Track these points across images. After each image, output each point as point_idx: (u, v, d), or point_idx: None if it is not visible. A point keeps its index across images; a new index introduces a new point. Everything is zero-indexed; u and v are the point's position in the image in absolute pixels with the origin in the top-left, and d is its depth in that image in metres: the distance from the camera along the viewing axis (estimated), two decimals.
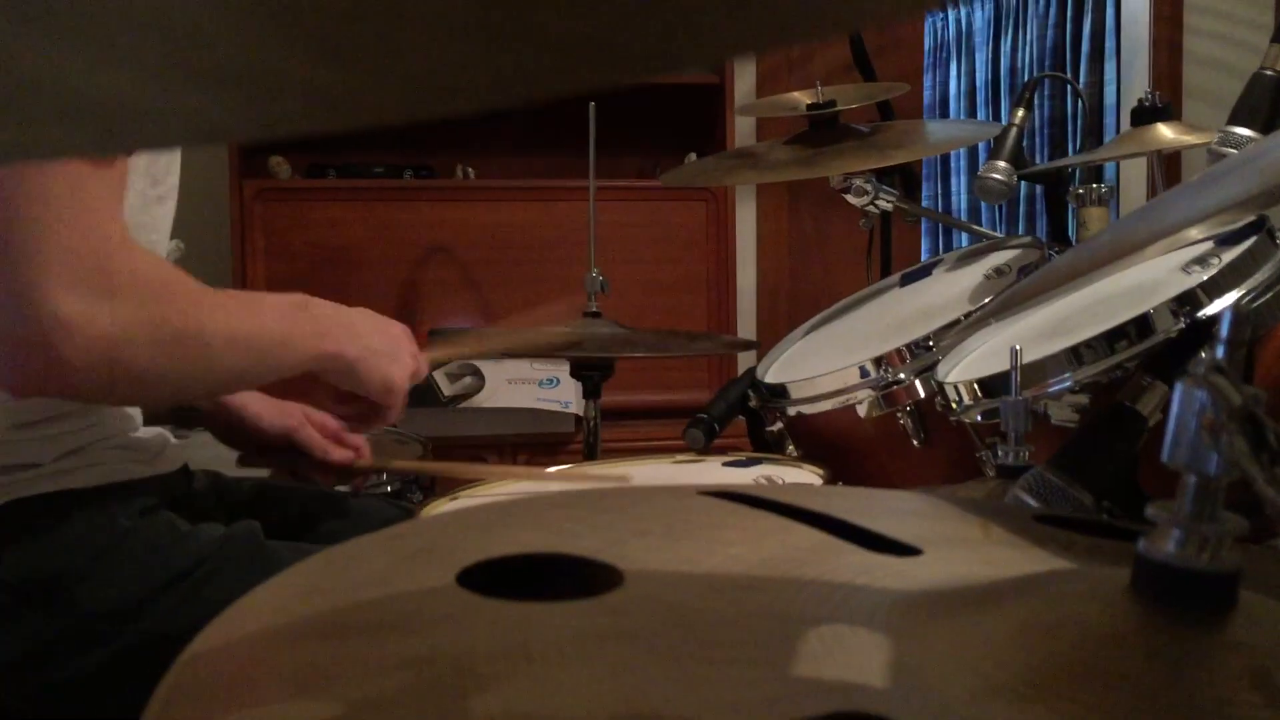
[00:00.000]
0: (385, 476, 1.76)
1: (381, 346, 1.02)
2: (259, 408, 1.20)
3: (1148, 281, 1.08)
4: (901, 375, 1.30)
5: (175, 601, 0.88)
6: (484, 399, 2.65)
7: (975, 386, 1.07)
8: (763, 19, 0.18)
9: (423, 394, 2.64)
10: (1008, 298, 1.04)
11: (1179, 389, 0.34)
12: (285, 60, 0.16)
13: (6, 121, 0.18)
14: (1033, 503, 0.72)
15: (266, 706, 0.30)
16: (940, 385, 1.15)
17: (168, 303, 0.85)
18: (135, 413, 1.01)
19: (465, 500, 1.14)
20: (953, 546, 0.46)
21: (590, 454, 1.84)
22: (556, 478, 1.27)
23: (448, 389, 2.65)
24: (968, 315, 1.34)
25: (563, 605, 0.37)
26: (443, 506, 1.08)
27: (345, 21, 0.16)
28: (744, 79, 3.20)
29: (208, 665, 0.33)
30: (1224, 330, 0.34)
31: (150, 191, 0.96)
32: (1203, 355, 0.31)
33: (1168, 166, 1.80)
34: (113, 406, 0.92)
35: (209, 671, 0.33)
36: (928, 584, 0.40)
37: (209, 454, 1.60)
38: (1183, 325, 0.89)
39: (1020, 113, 1.66)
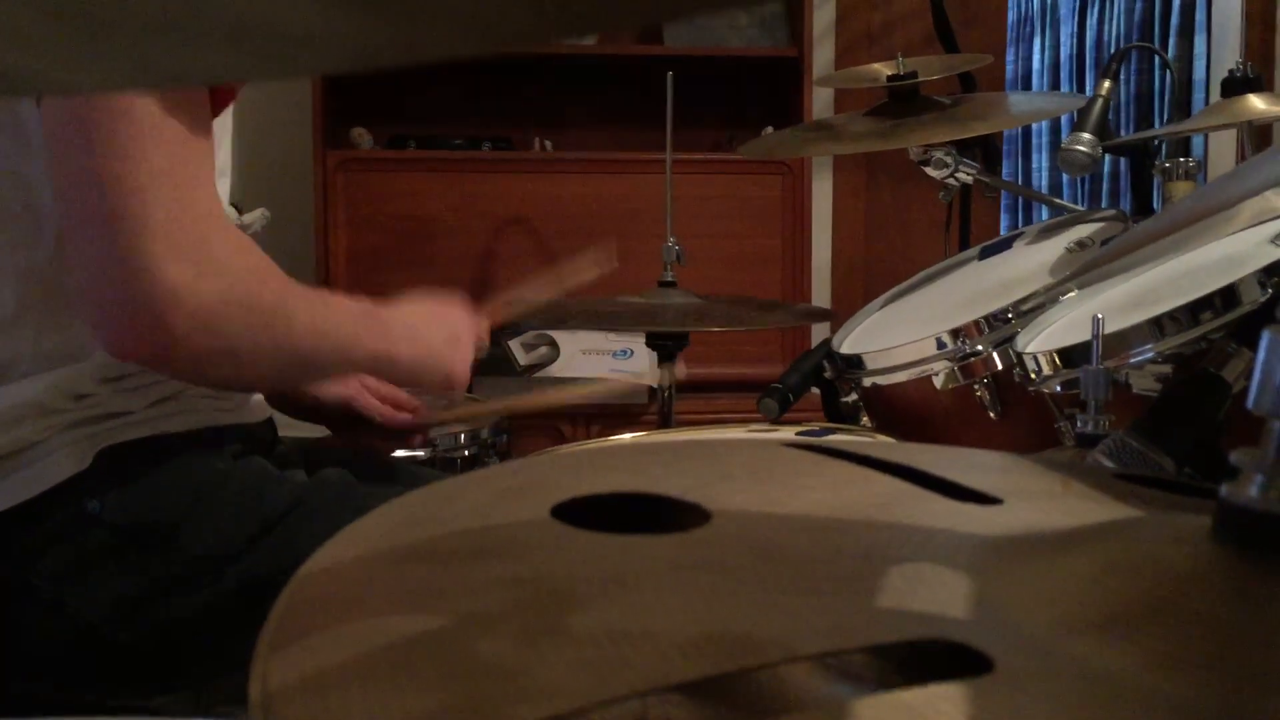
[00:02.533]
0: (461, 440, 1.79)
1: (440, 343, 1.04)
2: None
3: (1235, 254, 1.07)
4: (979, 347, 1.30)
5: (274, 543, 0.91)
6: (558, 369, 2.67)
7: (1055, 356, 1.07)
8: None
9: (498, 363, 2.68)
10: (1090, 262, 1.03)
11: (1266, 336, 0.34)
12: None
13: (176, 44, 0.19)
14: (1112, 467, 0.72)
15: (378, 618, 0.32)
16: (1019, 356, 1.14)
17: (261, 281, 0.87)
18: None
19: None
20: (1033, 498, 0.47)
21: (665, 424, 1.85)
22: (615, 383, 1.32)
23: (523, 359, 2.68)
24: (1046, 287, 1.33)
25: (653, 538, 0.38)
26: None
27: None
28: (823, 51, 3.18)
29: (321, 584, 0.35)
30: None
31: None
32: None
33: (1259, 141, 1.76)
34: (199, 387, 0.94)
35: (322, 590, 0.35)
36: (1009, 529, 0.41)
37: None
38: (1269, 296, 0.88)
39: (1106, 84, 1.64)
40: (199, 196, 0.83)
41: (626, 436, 1.27)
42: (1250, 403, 0.35)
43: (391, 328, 1.00)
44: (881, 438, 1.30)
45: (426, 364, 1.02)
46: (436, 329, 1.04)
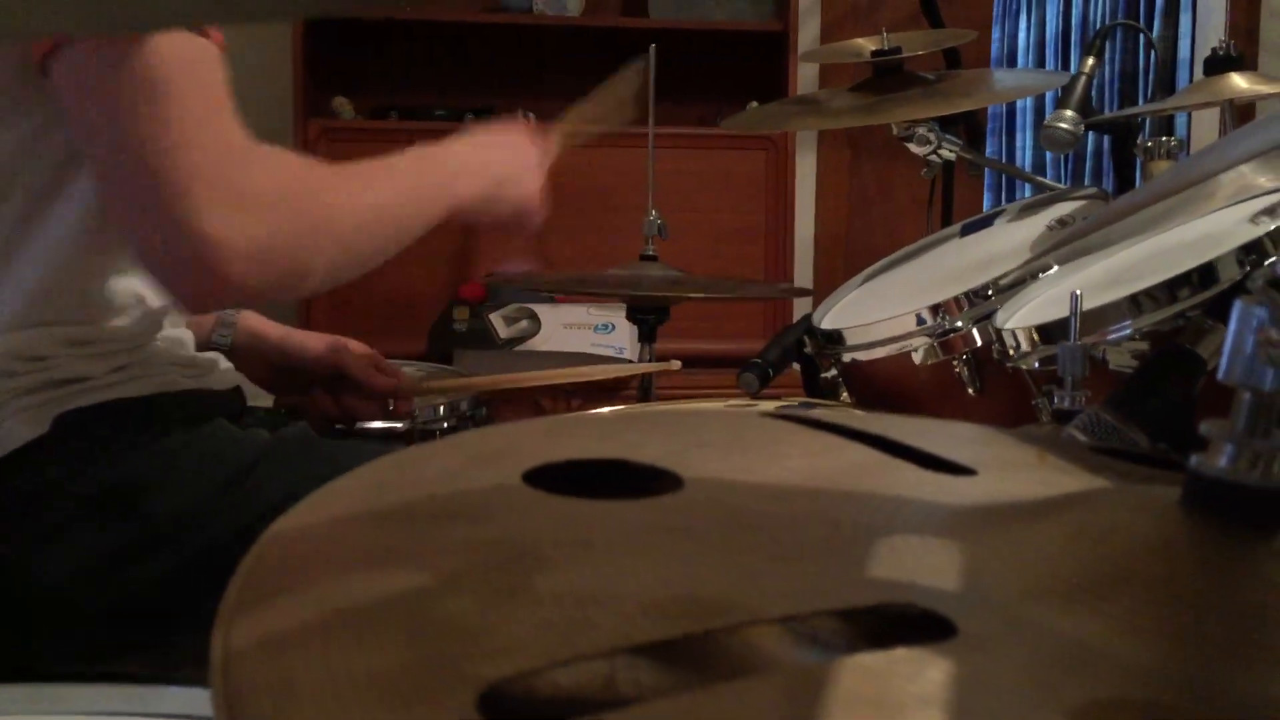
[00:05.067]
0: (440, 411, 1.79)
1: (508, 172, 1.06)
2: (302, 336, 1.25)
3: (1214, 232, 1.07)
4: (959, 323, 1.30)
5: (238, 500, 0.91)
6: (539, 343, 2.67)
7: (1033, 332, 1.07)
8: None
9: (479, 336, 2.67)
10: (1067, 236, 1.03)
11: (1237, 306, 0.34)
12: None
13: None
14: (1087, 441, 0.72)
15: (343, 578, 0.32)
16: (998, 332, 1.14)
17: (301, 198, 0.89)
18: (187, 337, 1.03)
19: None
20: (1007, 469, 0.47)
21: (644, 398, 1.85)
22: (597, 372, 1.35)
23: (504, 331, 2.68)
24: (1027, 264, 1.33)
25: (624, 503, 0.38)
26: None
27: None
28: (808, 26, 3.16)
29: (289, 544, 0.35)
30: None
31: None
32: (1262, 268, 0.31)
33: (1241, 121, 1.76)
34: (279, 300, 0.96)
35: (290, 549, 0.35)
36: (981, 499, 0.41)
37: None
38: (1247, 273, 0.88)
39: (1090, 61, 1.64)
40: (231, 140, 0.85)
41: (605, 410, 1.27)
42: (1220, 373, 0.35)
43: (455, 171, 1.01)
44: (859, 413, 1.30)
45: (496, 196, 1.04)
46: (500, 162, 1.06)
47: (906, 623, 0.31)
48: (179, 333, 1.01)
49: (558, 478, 0.41)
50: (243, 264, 0.82)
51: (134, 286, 0.94)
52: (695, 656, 0.29)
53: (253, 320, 1.22)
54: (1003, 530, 0.37)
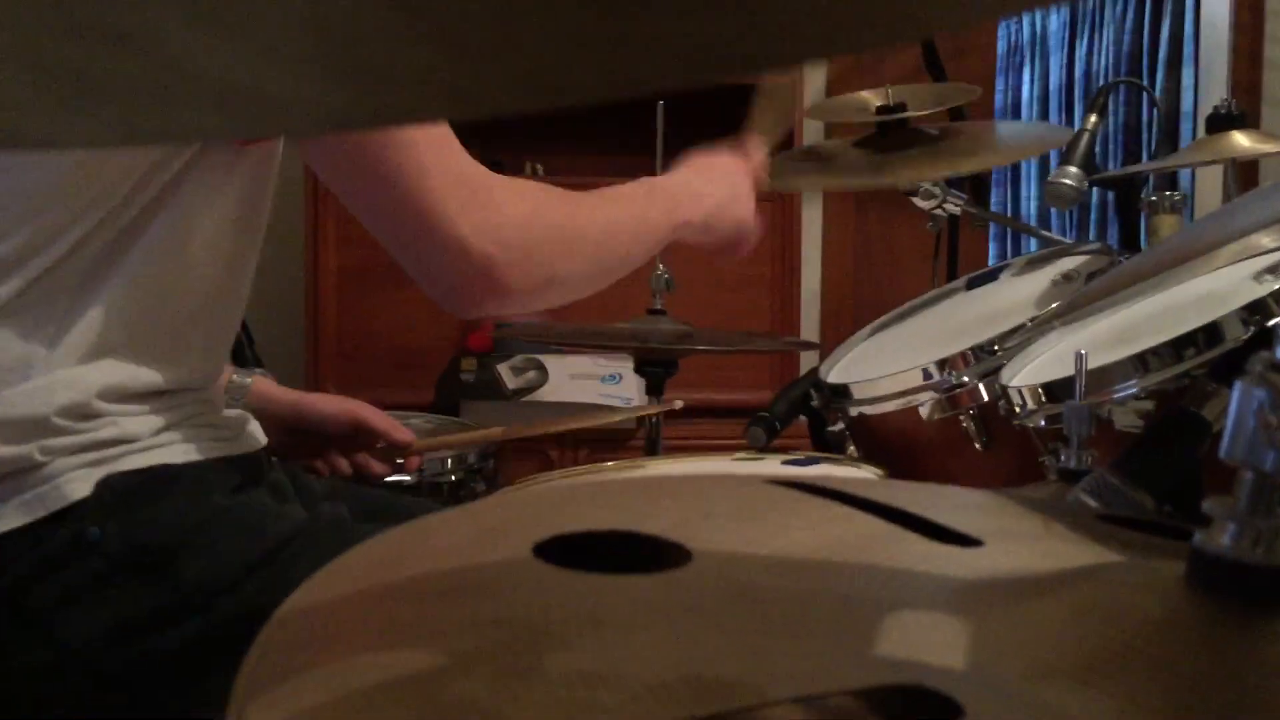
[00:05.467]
0: (449, 464, 1.79)
1: (724, 195, 1.16)
2: (314, 398, 1.31)
3: (1218, 290, 1.08)
4: (965, 378, 1.30)
5: (268, 577, 0.91)
6: (546, 393, 2.68)
7: (1039, 391, 1.07)
8: (844, 21, 0.19)
9: (487, 387, 2.68)
10: (1074, 300, 1.04)
11: (1238, 386, 0.35)
12: (410, 53, 0.18)
13: (166, 107, 0.20)
14: (1094, 504, 0.72)
15: (354, 658, 0.32)
16: (1004, 389, 1.15)
17: (549, 214, 1.01)
18: (218, 398, 1.04)
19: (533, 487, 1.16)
20: (1013, 539, 0.47)
21: (651, 450, 1.85)
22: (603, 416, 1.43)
23: (511, 382, 2.69)
24: (1033, 320, 1.34)
25: (632, 578, 0.38)
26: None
27: (465, 14, 0.17)
28: (814, 80, 3.20)
29: (299, 623, 0.36)
30: None
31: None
32: (1262, 354, 0.32)
33: (1244, 176, 1.78)
34: (539, 308, 1.05)
35: (300, 628, 0.35)
36: (987, 573, 0.41)
37: None
38: (1251, 333, 0.89)
39: (1093, 118, 1.65)
40: (471, 174, 0.96)
41: (610, 465, 1.28)
42: (1223, 452, 0.36)
43: (678, 198, 1.11)
44: (868, 467, 1.30)
45: (717, 218, 1.14)
46: (717, 184, 1.16)
47: (915, 703, 0.31)
48: (212, 394, 1.02)
49: (568, 550, 0.41)
50: (508, 273, 0.94)
51: (192, 339, 0.96)
52: None
53: (263, 385, 1.25)
54: (1009, 607, 0.38)
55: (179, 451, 0.94)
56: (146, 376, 0.93)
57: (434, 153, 0.93)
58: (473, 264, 0.94)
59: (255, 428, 1.07)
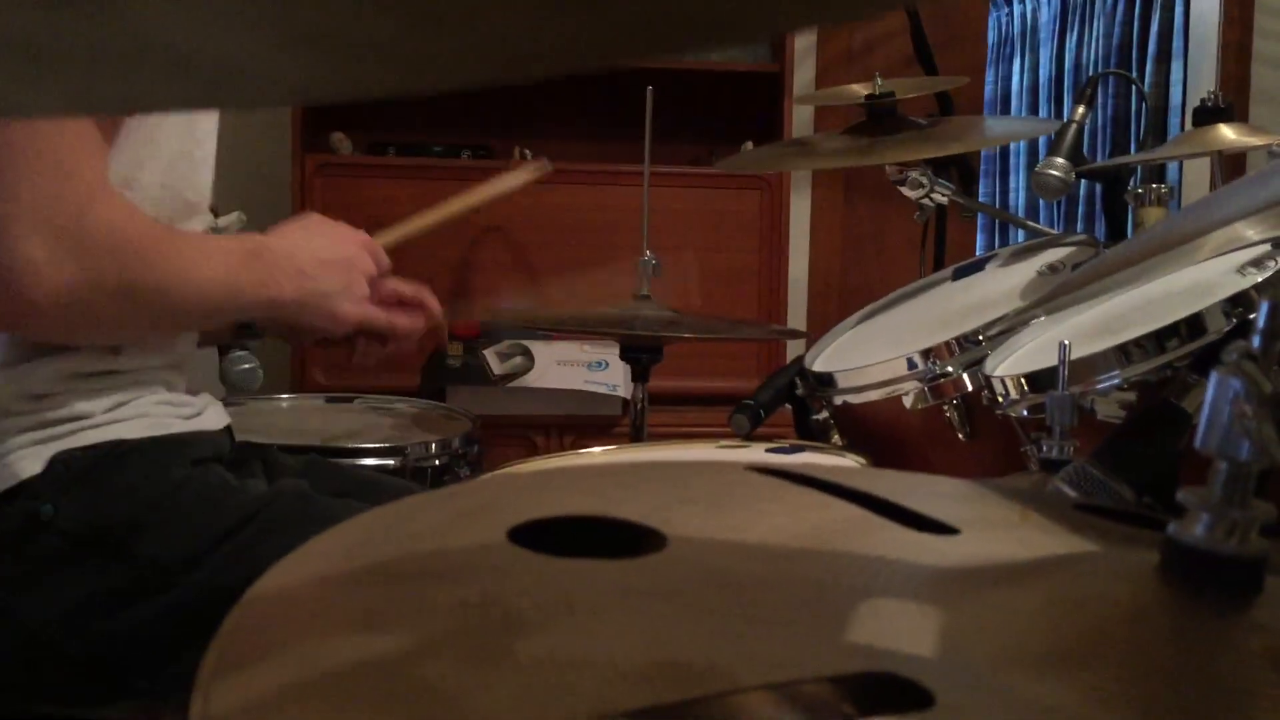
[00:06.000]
0: (432, 449, 1.78)
1: (330, 285, 1.04)
2: None
3: (1202, 283, 1.08)
4: (949, 368, 1.31)
5: (230, 554, 0.90)
6: (532, 379, 2.67)
7: (1022, 381, 1.07)
8: None
9: (473, 372, 2.67)
10: (1057, 289, 1.04)
11: (1214, 377, 0.35)
12: (373, 23, 0.18)
13: (121, 76, 0.19)
14: (1073, 494, 0.72)
15: (324, 640, 0.32)
16: (988, 379, 1.15)
17: (135, 256, 0.88)
18: (179, 377, 1.03)
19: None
20: (990, 528, 0.47)
21: (637, 437, 1.85)
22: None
23: (497, 368, 2.68)
24: (1018, 312, 1.34)
25: (606, 563, 0.38)
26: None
27: None
28: (804, 69, 3.19)
29: (269, 605, 0.35)
30: (1261, 320, 0.34)
31: (193, 151, 0.98)
32: (1238, 343, 0.32)
33: (1231, 169, 1.78)
34: (77, 344, 0.95)
35: (271, 610, 0.35)
36: (963, 561, 0.41)
37: (259, 422, 1.64)
38: (1233, 325, 0.89)
39: (1081, 109, 1.65)
40: (78, 172, 0.84)
41: (597, 450, 1.28)
42: (1198, 442, 0.35)
43: (273, 271, 1.00)
44: (851, 456, 1.31)
45: (312, 306, 1.03)
46: (326, 277, 1.04)
47: (886, 690, 0.31)
48: (173, 373, 1.01)
49: (543, 534, 0.41)
50: (50, 298, 0.82)
51: None
52: None
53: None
54: (982, 595, 0.37)
55: (135, 427, 0.93)
56: (97, 361, 0.92)
57: (39, 155, 0.82)
58: (15, 270, 0.81)
59: (218, 409, 1.06)
